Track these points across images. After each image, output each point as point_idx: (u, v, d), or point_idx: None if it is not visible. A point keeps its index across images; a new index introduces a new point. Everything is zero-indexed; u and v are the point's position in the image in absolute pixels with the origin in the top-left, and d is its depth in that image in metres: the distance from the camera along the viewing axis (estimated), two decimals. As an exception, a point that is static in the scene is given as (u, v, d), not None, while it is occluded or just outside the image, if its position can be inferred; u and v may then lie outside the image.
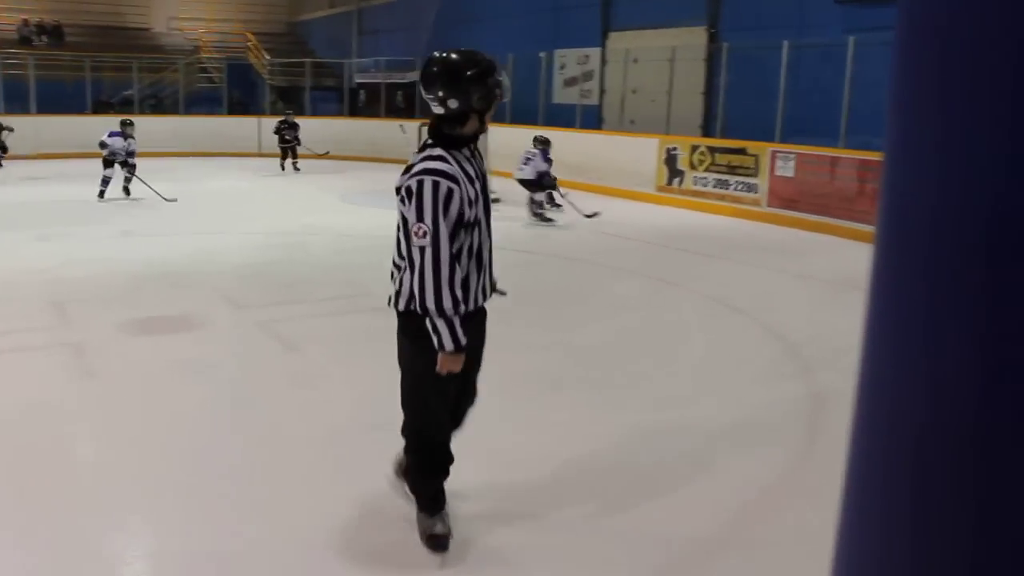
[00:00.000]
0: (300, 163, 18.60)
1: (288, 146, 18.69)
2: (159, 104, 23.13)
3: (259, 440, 4.46)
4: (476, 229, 3.14)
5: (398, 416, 4.73)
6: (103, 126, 19.87)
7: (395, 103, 22.58)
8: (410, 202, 3.00)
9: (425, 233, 2.96)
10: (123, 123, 13.67)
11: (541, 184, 12.02)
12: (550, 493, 3.94)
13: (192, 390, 5.16)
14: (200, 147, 20.83)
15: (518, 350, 6.10)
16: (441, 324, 3.01)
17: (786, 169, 12.35)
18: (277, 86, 24.82)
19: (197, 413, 4.80)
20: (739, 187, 13.12)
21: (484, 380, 5.45)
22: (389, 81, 22.84)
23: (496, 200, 13.98)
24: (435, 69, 3.08)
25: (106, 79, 22.64)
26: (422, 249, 2.98)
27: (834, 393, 5.10)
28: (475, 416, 4.83)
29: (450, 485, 3.67)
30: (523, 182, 12.18)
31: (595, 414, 4.94)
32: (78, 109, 21.03)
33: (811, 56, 12.91)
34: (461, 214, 3.02)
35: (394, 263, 3.22)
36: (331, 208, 13.54)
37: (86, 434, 4.56)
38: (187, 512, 3.69)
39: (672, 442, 4.56)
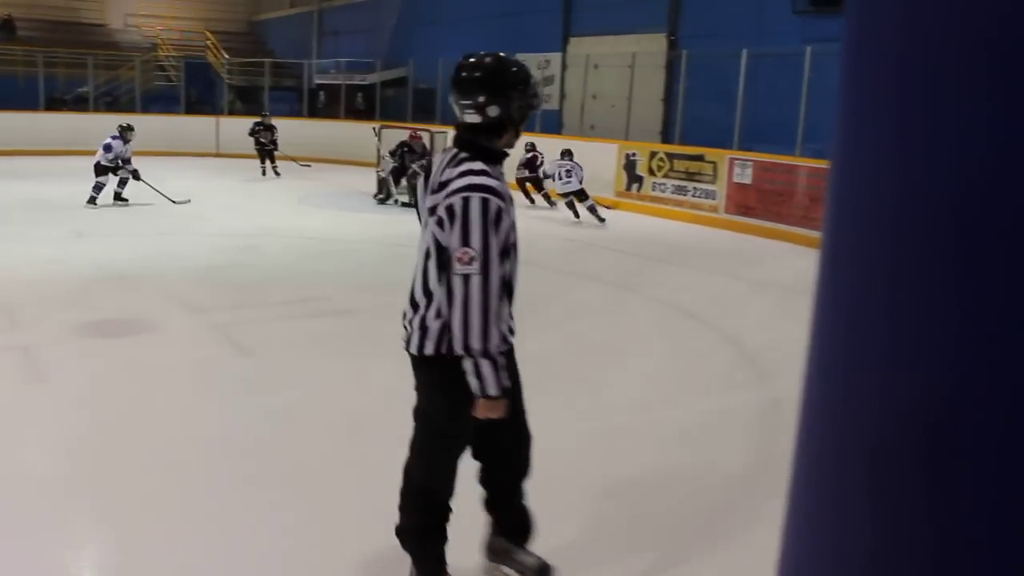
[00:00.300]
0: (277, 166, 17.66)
1: (264, 149, 17.62)
2: (115, 102, 22.74)
3: (212, 447, 4.40)
4: (511, 255, 2.79)
5: (353, 422, 4.71)
6: (55, 123, 19.67)
7: (355, 105, 22.46)
8: (452, 224, 2.60)
9: (472, 259, 2.58)
10: (125, 128, 13.11)
11: (584, 192, 12.81)
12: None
13: (144, 395, 5.08)
14: (156, 146, 20.45)
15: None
16: (486, 366, 2.67)
17: (743, 176, 12.48)
18: (236, 86, 24.57)
19: (149, 418, 4.73)
20: (697, 193, 13.23)
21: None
22: (349, 83, 22.73)
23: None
24: (476, 73, 2.74)
25: (60, 75, 22.23)
26: (467, 278, 2.59)
27: (789, 400, 5.13)
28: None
29: (392, 496, 3.63)
30: (571, 193, 12.81)
31: (552, 421, 4.92)
32: (30, 105, 20.62)
33: (769, 65, 13.06)
34: (507, 238, 2.69)
35: (412, 300, 2.83)
36: (288, 210, 13.43)
37: (34, 439, 4.46)
38: (138, 521, 3.62)
39: (628, 449, 4.57)
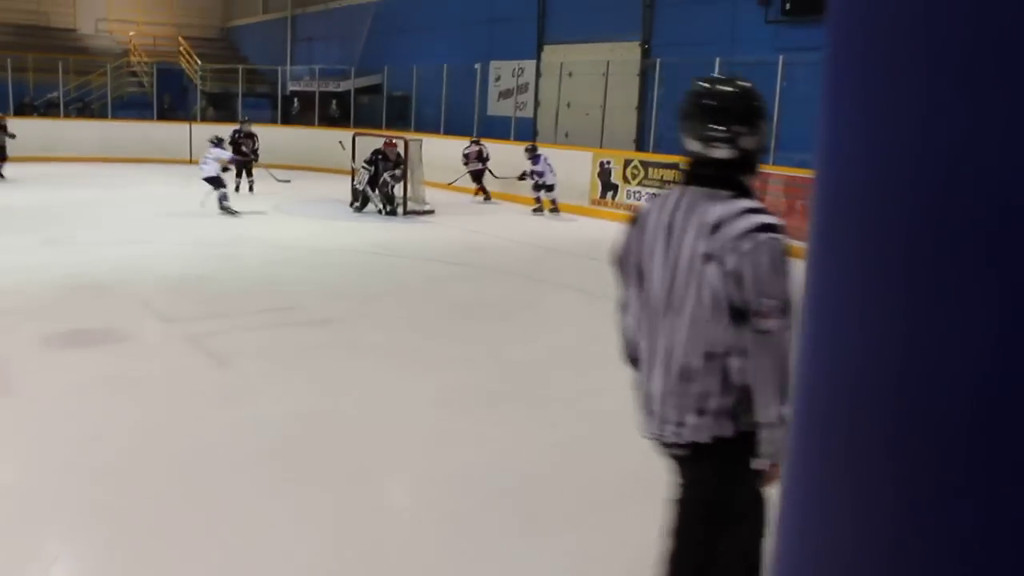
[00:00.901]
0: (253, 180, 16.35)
1: (244, 161, 16.03)
2: (86, 108, 22.54)
3: (189, 461, 4.35)
4: None
5: (330, 433, 4.68)
6: (25, 129, 19.40)
7: (329, 112, 22.40)
8: (748, 270, 2.20)
9: (778, 311, 2.19)
10: (220, 140, 13.64)
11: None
12: (486, 510, 3.93)
13: (118, 408, 5.02)
14: (128, 153, 20.36)
15: (452, 365, 6.08)
16: (782, 431, 2.23)
17: (717, 184, 12.54)
18: (209, 92, 24.40)
19: (123, 432, 4.67)
20: (672, 202, 13.28)
21: (420, 396, 5.44)
22: (324, 90, 22.66)
23: (431, 212, 14.00)
24: (726, 102, 2.37)
25: (29, 80, 22.00)
26: (774, 334, 2.19)
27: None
28: (410, 432, 4.82)
29: (387, 500, 3.61)
30: (552, 187, 14.26)
31: (531, 430, 4.94)
32: (-1, 111, 20.39)
33: (742, 73, 13.08)
34: None
35: (682, 374, 2.35)
36: (263, 218, 13.34)
37: (3, 454, 4.40)
38: (111, 539, 3.58)
39: (610, 458, 4.57)
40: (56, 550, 3.55)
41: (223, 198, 13.12)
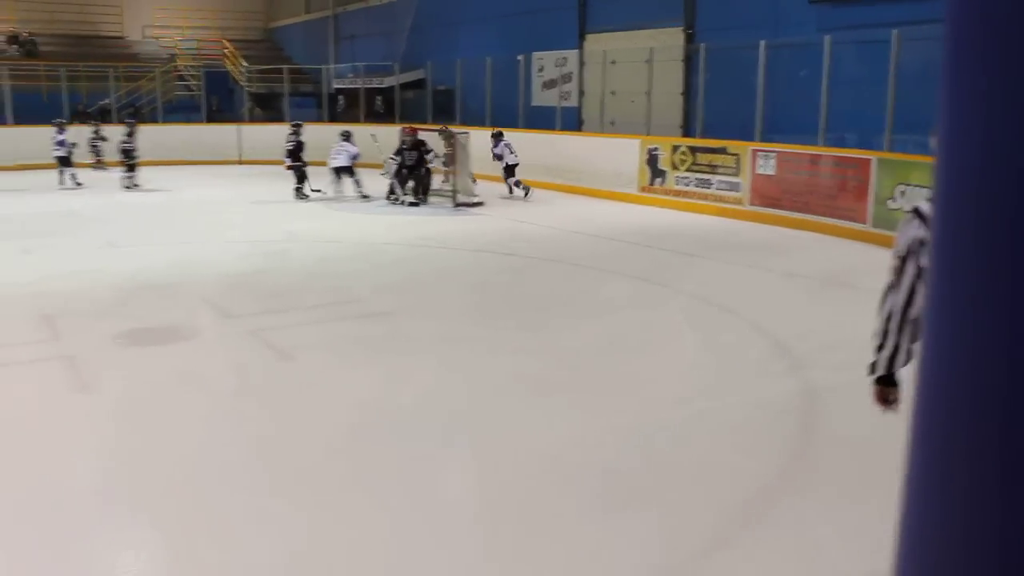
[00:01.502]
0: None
1: (300, 166, 14.95)
2: (136, 113, 22.96)
3: (262, 451, 4.48)
4: None
5: (399, 425, 4.79)
6: (81, 137, 19.87)
7: (374, 108, 22.56)
8: None
9: None
10: (349, 134, 15.17)
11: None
12: (544, 496, 3.99)
13: (189, 401, 5.17)
14: (179, 155, 20.73)
15: (506, 353, 6.16)
16: None
17: (767, 167, 12.46)
18: (255, 93, 24.73)
19: (196, 424, 4.82)
20: (721, 186, 13.23)
21: (482, 384, 5.53)
22: (368, 86, 22.83)
23: (480, 203, 14.08)
24: None
25: (82, 88, 22.48)
26: None
27: (825, 389, 5.16)
28: (465, 420, 4.91)
29: (440, 492, 3.69)
30: (514, 167, 15.08)
31: (586, 417, 4.99)
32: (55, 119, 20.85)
33: (787, 55, 13.03)
34: None
35: None
36: (313, 214, 13.53)
37: (84, 447, 4.56)
38: (191, 526, 3.70)
39: (666, 443, 4.62)
40: (142, 539, 3.69)
41: (358, 183, 14.74)
